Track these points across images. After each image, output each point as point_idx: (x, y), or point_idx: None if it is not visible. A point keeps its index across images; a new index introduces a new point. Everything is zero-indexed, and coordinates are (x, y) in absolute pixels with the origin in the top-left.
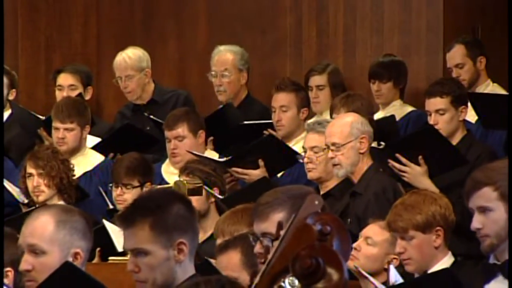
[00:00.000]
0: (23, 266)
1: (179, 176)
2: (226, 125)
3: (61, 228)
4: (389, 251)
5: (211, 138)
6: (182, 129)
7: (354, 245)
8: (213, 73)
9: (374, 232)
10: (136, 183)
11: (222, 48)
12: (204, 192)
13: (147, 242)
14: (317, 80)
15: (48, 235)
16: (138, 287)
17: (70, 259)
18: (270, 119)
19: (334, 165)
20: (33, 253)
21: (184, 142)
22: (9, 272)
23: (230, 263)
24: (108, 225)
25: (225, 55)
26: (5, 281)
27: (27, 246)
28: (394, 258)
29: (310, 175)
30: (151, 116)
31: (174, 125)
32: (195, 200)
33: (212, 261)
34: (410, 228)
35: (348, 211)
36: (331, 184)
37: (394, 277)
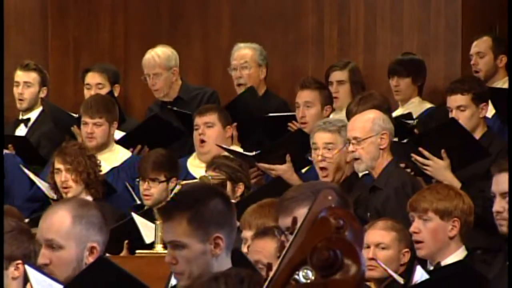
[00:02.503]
0: (41, 260)
1: (206, 171)
2: (248, 111)
3: (78, 223)
4: (400, 248)
5: (235, 124)
6: (213, 117)
7: (370, 255)
8: (233, 66)
9: (382, 236)
10: (162, 178)
11: (241, 45)
12: (229, 186)
13: (184, 236)
14: (338, 75)
15: (64, 230)
16: (175, 279)
17: (86, 253)
18: (289, 113)
19: (355, 159)
20: (50, 248)
21: (213, 129)
22: (20, 265)
23: (264, 249)
24: (137, 218)
25: (244, 50)
26: (16, 273)
27: (44, 241)
28: (406, 252)
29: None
30: (175, 109)
31: (206, 112)
32: None
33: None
34: (430, 210)
35: (361, 202)
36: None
37: (420, 276)
